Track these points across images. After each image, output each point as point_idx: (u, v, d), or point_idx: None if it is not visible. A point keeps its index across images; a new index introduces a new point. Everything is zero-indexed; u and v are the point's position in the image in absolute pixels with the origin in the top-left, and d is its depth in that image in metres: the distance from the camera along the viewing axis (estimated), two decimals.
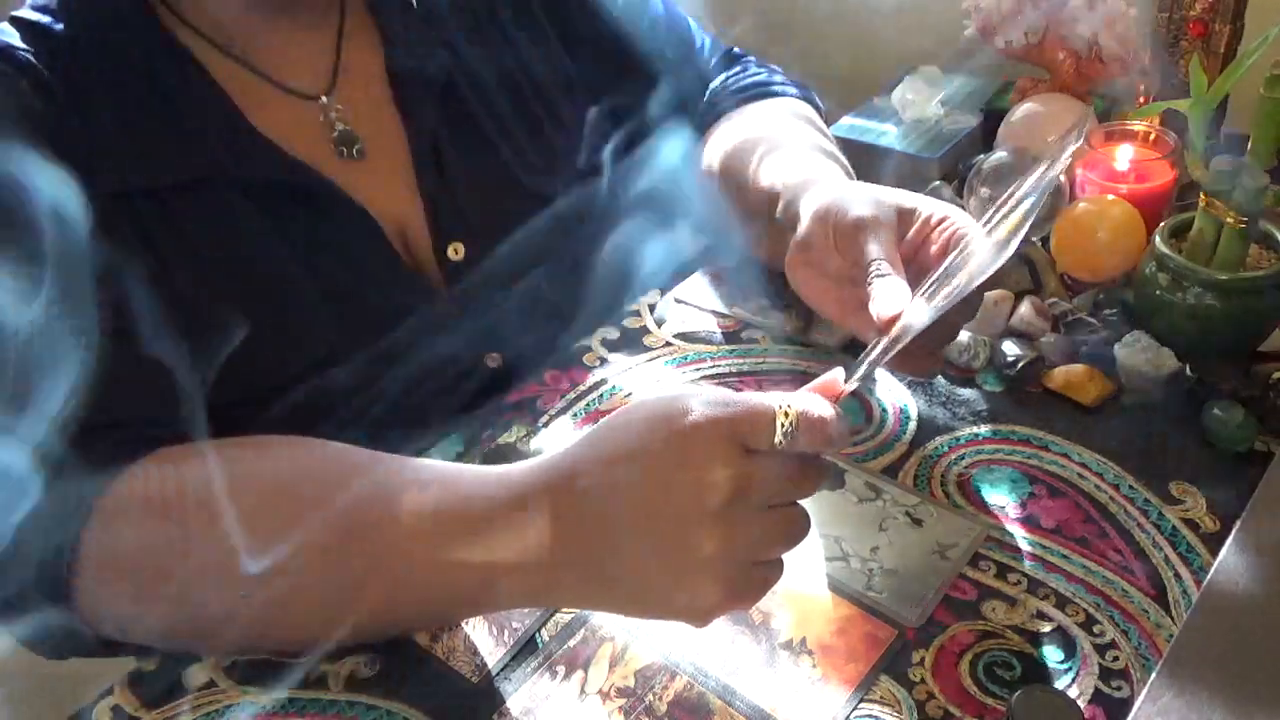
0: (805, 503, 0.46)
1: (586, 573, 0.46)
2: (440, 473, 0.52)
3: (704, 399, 0.44)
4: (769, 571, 0.46)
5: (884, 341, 0.52)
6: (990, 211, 0.59)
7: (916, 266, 0.59)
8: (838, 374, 0.47)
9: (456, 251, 0.73)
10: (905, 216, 0.60)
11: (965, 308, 0.60)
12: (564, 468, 0.47)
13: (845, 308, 0.61)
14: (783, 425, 0.43)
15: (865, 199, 0.60)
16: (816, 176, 0.67)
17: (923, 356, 0.62)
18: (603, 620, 0.56)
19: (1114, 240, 0.73)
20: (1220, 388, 0.63)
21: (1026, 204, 0.55)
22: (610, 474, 0.45)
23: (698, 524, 0.43)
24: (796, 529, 0.46)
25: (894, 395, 0.69)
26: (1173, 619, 0.53)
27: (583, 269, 0.79)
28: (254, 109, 0.68)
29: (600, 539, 0.45)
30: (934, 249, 0.59)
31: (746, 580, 0.45)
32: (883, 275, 0.55)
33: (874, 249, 0.57)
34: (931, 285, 0.55)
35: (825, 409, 0.45)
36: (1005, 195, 0.60)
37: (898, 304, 0.53)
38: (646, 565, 0.45)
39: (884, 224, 0.58)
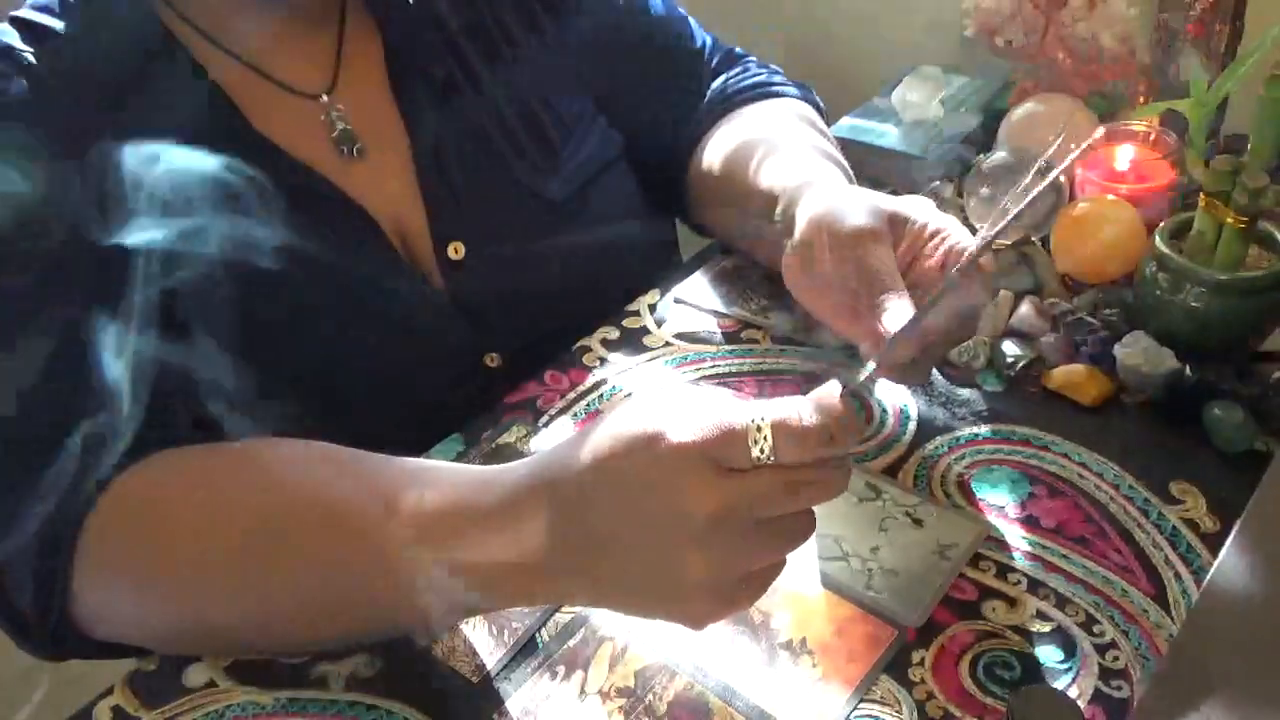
0: None
1: (581, 577, 0.46)
2: (437, 473, 0.52)
3: (678, 418, 0.42)
4: (766, 574, 0.45)
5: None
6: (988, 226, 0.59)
7: (909, 277, 0.59)
8: (833, 388, 0.45)
9: (456, 251, 0.73)
10: (899, 225, 0.60)
11: (963, 325, 0.60)
12: (549, 476, 0.47)
13: (840, 312, 0.60)
14: (758, 442, 0.41)
15: (862, 207, 0.60)
16: (814, 179, 0.67)
17: (913, 368, 0.61)
18: (603, 620, 0.56)
19: (1114, 240, 0.73)
20: (1220, 388, 0.63)
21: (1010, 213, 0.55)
22: (589, 491, 0.44)
23: (680, 550, 0.42)
24: (795, 535, 0.44)
25: (894, 396, 0.69)
26: (1173, 619, 0.53)
27: (583, 269, 0.79)
28: (254, 108, 0.68)
29: (588, 547, 0.45)
30: (929, 262, 0.59)
31: (740, 589, 0.44)
32: (890, 291, 0.55)
33: (878, 262, 0.57)
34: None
35: (809, 415, 0.42)
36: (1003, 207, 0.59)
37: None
38: (635, 580, 0.45)
39: (882, 234, 0.58)
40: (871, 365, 0.48)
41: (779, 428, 0.42)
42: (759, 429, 0.41)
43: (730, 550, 0.43)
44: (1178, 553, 0.57)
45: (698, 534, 0.42)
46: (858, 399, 0.45)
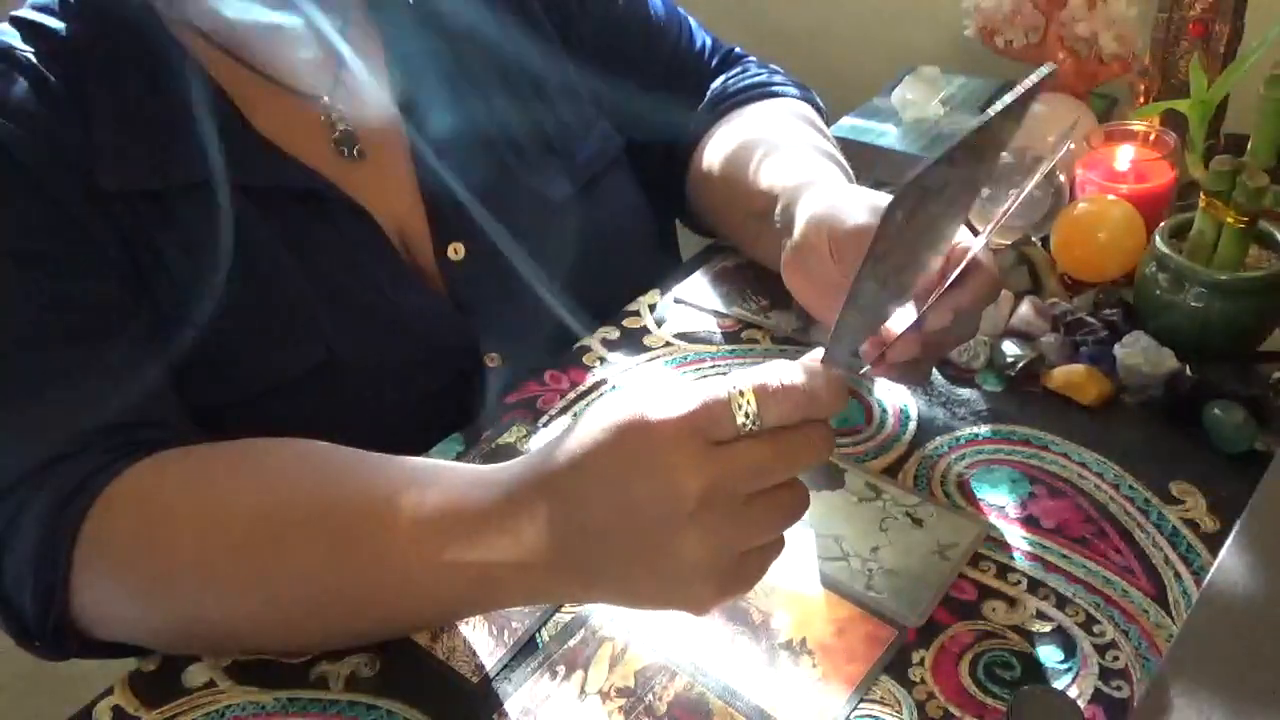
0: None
1: (580, 571, 0.46)
2: (437, 473, 0.52)
3: (659, 400, 0.43)
4: (765, 553, 0.45)
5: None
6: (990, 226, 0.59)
7: None
8: (816, 355, 0.45)
9: (456, 251, 0.73)
10: None
11: (963, 328, 0.60)
12: (541, 473, 0.47)
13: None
14: (741, 407, 0.42)
15: (863, 206, 0.60)
16: (814, 179, 0.67)
17: (913, 367, 0.61)
18: (603, 620, 0.56)
19: (1114, 240, 0.73)
20: (1220, 388, 0.63)
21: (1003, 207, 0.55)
22: (580, 484, 0.44)
23: (675, 531, 0.42)
24: (789, 510, 0.44)
25: (894, 395, 0.69)
26: (1173, 619, 0.53)
27: (583, 269, 0.79)
28: (255, 109, 0.68)
29: (586, 543, 0.45)
30: None
31: (740, 569, 0.44)
32: None
33: None
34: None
35: (790, 375, 0.42)
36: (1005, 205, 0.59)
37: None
38: (633, 570, 0.45)
39: None
40: (843, 336, 0.46)
41: (760, 390, 0.42)
42: (741, 394, 0.42)
43: (725, 526, 0.43)
44: (1178, 553, 0.57)
45: (692, 511, 0.42)
46: (855, 397, 0.45)
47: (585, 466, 0.44)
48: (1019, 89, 0.47)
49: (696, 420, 0.42)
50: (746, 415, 0.42)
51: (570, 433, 0.46)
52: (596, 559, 0.45)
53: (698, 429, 0.42)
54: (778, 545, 0.45)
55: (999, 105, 0.46)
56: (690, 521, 0.42)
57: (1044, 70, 0.47)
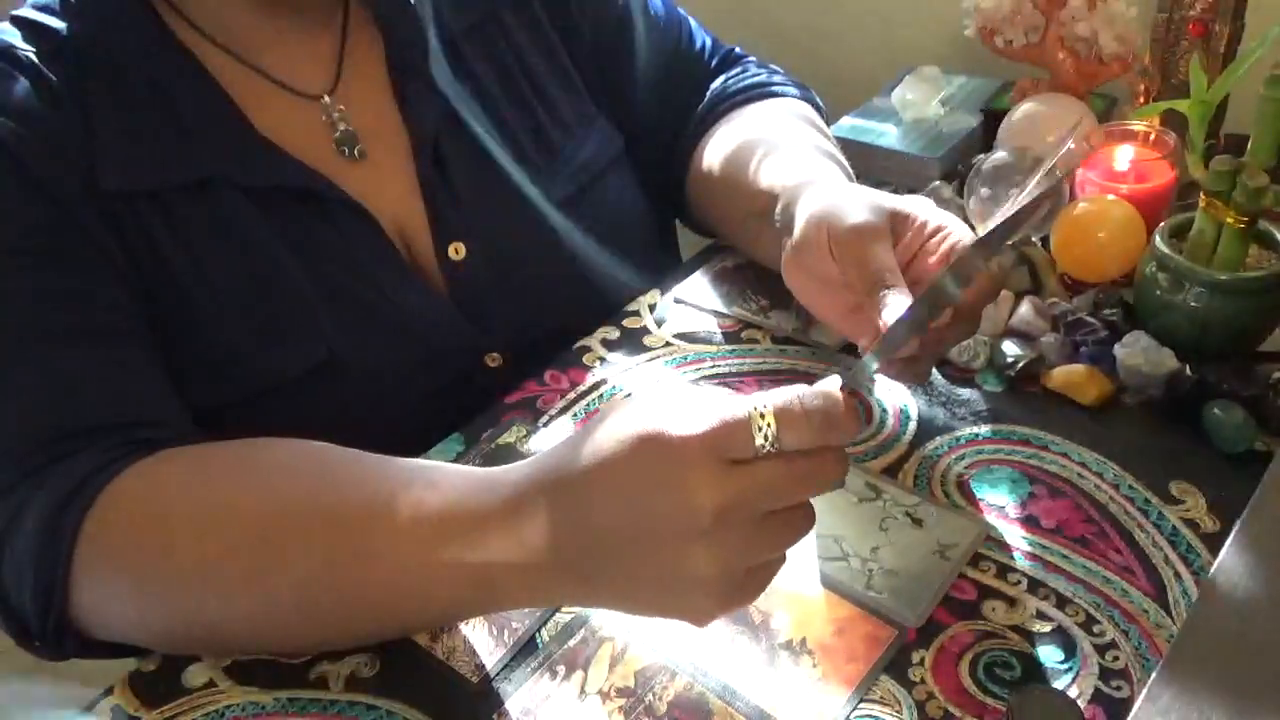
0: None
1: (582, 576, 0.46)
2: (437, 474, 0.52)
3: (678, 415, 0.43)
4: (768, 568, 0.45)
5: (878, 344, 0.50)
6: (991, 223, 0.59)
7: (910, 274, 0.59)
8: (834, 381, 0.45)
9: (457, 251, 0.73)
10: (900, 222, 0.60)
11: (964, 326, 0.60)
12: (550, 477, 0.47)
13: (840, 310, 0.61)
14: (761, 429, 0.42)
15: (863, 204, 0.60)
16: (814, 178, 0.67)
17: (913, 367, 0.61)
18: (603, 620, 0.56)
19: (1114, 240, 0.73)
20: (1220, 388, 0.63)
21: (1012, 210, 0.55)
22: (591, 492, 0.44)
23: (686, 545, 0.42)
24: (798, 528, 0.45)
25: (894, 396, 0.69)
26: (1173, 619, 0.53)
27: (583, 269, 0.79)
28: (256, 109, 0.68)
29: (591, 547, 0.45)
30: (932, 259, 0.59)
31: (744, 585, 0.44)
32: (891, 287, 0.55)
33: (880, 259, 0.57)
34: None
35: (811, 399, 0.43)
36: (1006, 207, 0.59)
37: None
38: (639, 577, 0.45)
39: (882, 231, 0.58)
40: (873, 362, 0.47)
41: (781, 413, 0.42)
42: (761, 415, 0.42)
43: (736, 544, 0.43)
44: (1178, 553, 0.57)
45: (705, 528, 0.42)
46: (856, 395, 0.45)
47: (598, 475, 0.44)
48: (1064, 147, 0.49)
49: (716, 438, 0.42)
50: (766, 437, 0.42)
51: (582, 440, 0.45)
52: (599, 563, 0.45)
53: (716, 447, 0.42)
54: (780, 559, 0.46)
55: (1048, 163, 0.48)
56: (703, 538, 0.42)
57: (1081, 128, 0.49)
